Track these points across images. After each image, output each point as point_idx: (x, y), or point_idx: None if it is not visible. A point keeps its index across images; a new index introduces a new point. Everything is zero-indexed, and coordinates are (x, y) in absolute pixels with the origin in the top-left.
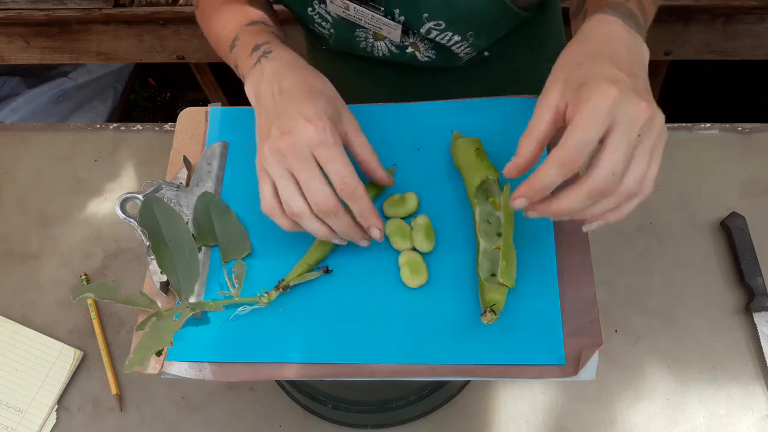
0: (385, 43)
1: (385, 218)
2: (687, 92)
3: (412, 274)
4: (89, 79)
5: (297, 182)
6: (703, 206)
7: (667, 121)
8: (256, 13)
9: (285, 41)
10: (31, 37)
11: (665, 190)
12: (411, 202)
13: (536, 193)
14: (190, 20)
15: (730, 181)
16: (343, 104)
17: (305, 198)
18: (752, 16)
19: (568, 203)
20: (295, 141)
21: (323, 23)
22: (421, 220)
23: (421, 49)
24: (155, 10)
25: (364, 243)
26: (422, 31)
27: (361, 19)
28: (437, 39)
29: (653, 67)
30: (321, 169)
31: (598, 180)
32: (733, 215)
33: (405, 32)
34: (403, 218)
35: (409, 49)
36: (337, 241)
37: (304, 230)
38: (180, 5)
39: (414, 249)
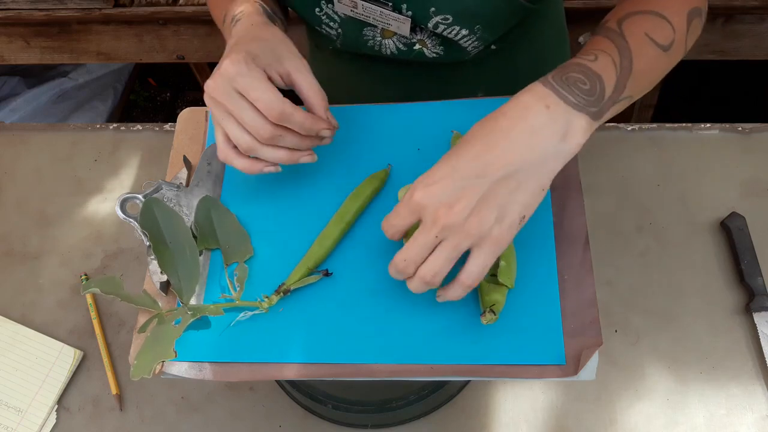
0: (393, 41)
1: None
2: (687, 92)
3: None
4: (89, 79)
5: (237, 120)
6: (703, 206)
7: (668, 121)
8: None
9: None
10: (31, 37)
11: (665, 190)
12: None
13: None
14: (190, 20)
15: (730, 181)
16: (287, 48)
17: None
18: (752, 16)
19: (391, 273)
20: (216, 80)
21: (331, 23)
22: None
23: (429, 45)
24: (155, 10)
25: (327, 141)
26: (430, 25)
27: (370, 17)
28: (445, 33)
29: None
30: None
31: (395, 261)
32: (733, 215)
33: (412, 29)
34: None
35: (417, 46)
36: (305, 159)
37: (263, 168)
38: (180, 5)
39: None
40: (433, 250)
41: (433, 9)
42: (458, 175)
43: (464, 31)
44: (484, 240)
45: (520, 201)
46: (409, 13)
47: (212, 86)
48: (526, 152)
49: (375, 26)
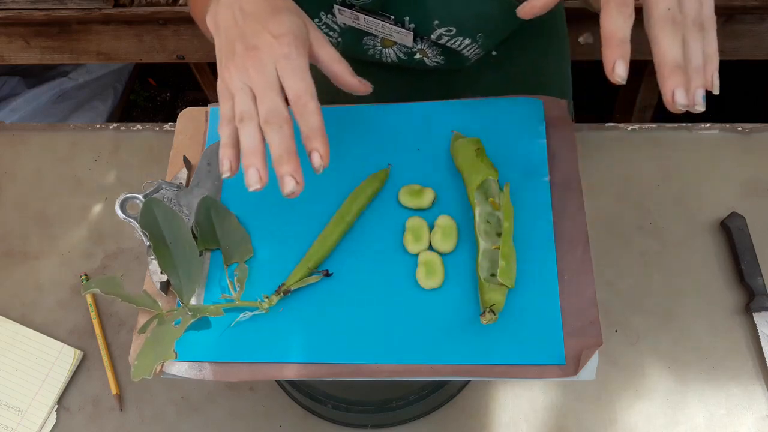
0: (394, 50)
1: (402, 207)
2: None
3: (427, 275)
4: (89, 79)
5: (254, 95)
6: (703, 206)
7: (668, 121)
8: None
9: None
10: (31, 37)
11: (665, 190)
12: (427, 196)
13: (621, 45)
14: (190, 20)
15: (730, 181)
16: (308, 18)
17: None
18: (752, 16)
19: (666, 49)
20: (260, 54)
21: (330, 33)
22: (441, 220)
23: (429, 55)
24: (155, 10)
25: (287, 183)
26: (433, 37)
27: (372, 28)
28: (448, 44)
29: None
30: (280, 84)
31: (662, 17)
32: (733, 215)
33: (414, 38)
34: (416, 211)
35: (418, 56)
36: (251, 178)
37: (223, 153)
38: (180, 5)
39: (430, 248)
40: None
41: (436, 22)
42: None
43: (467, 41)
44: None
45: None
46: (412, 25)
47: (254, 59)
48: None
49: (375, 35)
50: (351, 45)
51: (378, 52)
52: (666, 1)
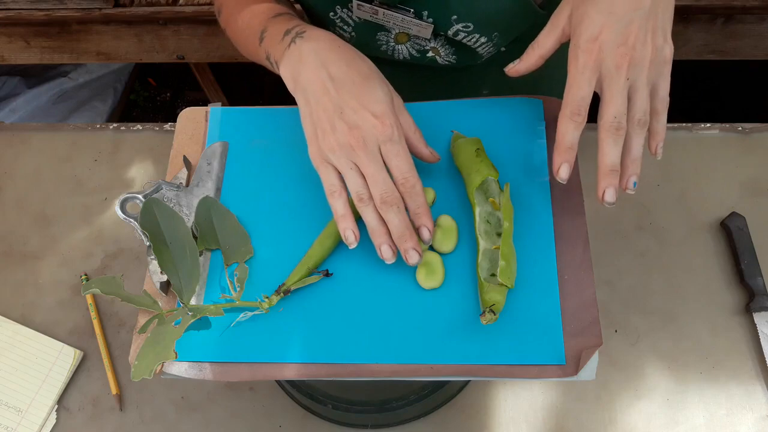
0: (406, 47)
1: None
2: (687, 92)
3: (427, 275)
4: (89, 79)
5: (362, 175)
6: (703, 206)
7: (668, 121)
8: (281, 7)
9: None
10: (31, 37)
11: (665, 190)
12: (427, 196)
13: (567, 151)
14: (190, 20)
15: (730, 181)
16: (389, 84)
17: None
18: (752, 16)
19: (606, 154)
20: (365, 136)
21: (345, 27)
22: (441, 220)
23: (442, 53)
24: (155, 10)
25: (412, 256)
26: (450, 33)
27: (390, 22)
28: (464, 41)
29: None
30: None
31: (608, 126)
32: (733, 215)
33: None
34: None
35: (430, 54)
36: (386, 254)
37: (346, 225)
38: (180, 5)
39: (431, 248)
40: (629, 99)
41: (455, 17)
42: (617, 16)
43: (483, 39)
44: (663, 65)
45: (668, 18)
46: (430, 20)
47: (359, 140)
48: None
49: (389, 31)
50: (364, 40)
51: (391, 48)
52: (614, 108)
